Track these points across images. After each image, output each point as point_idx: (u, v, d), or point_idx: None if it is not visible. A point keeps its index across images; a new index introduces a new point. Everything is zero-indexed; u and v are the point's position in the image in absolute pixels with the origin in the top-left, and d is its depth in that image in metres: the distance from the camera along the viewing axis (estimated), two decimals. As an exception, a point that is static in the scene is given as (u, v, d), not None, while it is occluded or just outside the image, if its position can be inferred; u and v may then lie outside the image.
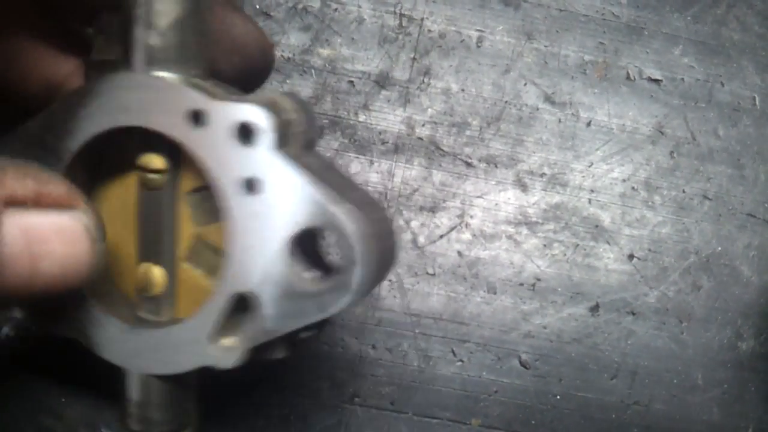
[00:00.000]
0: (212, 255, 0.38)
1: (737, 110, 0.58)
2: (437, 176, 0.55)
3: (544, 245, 0.55)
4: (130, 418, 0.39)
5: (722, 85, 0.58)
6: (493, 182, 0.55)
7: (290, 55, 0.54)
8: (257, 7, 0.54)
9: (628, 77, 0.58)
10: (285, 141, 0.34)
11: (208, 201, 0.37)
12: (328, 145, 0.54)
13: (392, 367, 0.53)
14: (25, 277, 0.30)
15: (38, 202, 0.30)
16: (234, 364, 0.36)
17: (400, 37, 0.55)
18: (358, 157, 0.54)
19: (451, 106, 0.55)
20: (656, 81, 0.58)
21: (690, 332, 0.56)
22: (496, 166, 0.56)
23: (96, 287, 0.38)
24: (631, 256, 0.56)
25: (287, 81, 0.54)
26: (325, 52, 0.55)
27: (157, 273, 0.38)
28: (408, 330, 0.53)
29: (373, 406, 0.53)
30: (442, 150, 0.55)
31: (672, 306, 0.56)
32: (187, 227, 0.38)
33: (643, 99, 0.57)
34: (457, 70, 0.56)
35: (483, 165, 0.55)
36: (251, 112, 0.33)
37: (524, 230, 0.55)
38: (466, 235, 0.55)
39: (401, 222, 0.54)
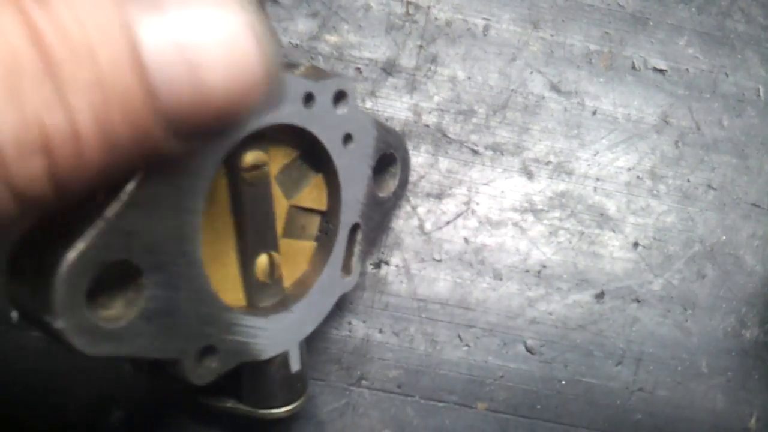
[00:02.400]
0: (303, 218, 0.44)
1: (742, 101, 0.58)
2: (444, 163, 0.55)
3: (550, 232, 0.56)
4: (288, 389, 0.43)
5: (727, 75, 0.59)
6: (500, 170, 0.56)
7: (298, 42, 0.54)
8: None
9: (633, 67, 0.58)
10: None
11: (291, 173, 0.43)
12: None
13: (399, 351, 0.53)
14: (188, 94, 0.24)
15: None
16: (356, 281, 0.46)
17: (407, 24, 0.56)
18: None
19: (458, 93, 0.56)
20: (661, 71, 0.58)
21: (694, 320, 0.56)
22: (502, 154, 0.56)
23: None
24: (636, 244, 0.56)
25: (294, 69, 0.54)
26: (332, 38, 0.55)
27: (277, 257, 0.41)
28: (415, 315, 0.54)
29: (381, 389, 0.53)
30: (449, 137, 0.55)
31: (677, 294, 0.56)
32: (281, 205, 0.42)
33: (648, 89, 0.58)
34: (463, 58, 0.56)
35: (489, 152, 0.56)
36: (343, 82, 0.41)
37: (530, 217, 0.56)
38: (473, 222, 0.55)
39: (408, 208, 0.54)
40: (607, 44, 0.58)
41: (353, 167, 0.43)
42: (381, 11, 0.55)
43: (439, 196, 0.55)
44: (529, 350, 0.55)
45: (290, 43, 0.54)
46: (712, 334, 0.56)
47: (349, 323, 0.53)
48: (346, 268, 0.45)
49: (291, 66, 0.42)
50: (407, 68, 0.55)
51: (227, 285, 0.40)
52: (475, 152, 0.56)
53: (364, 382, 0.53)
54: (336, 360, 0.53)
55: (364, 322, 0.53)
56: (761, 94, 0.59)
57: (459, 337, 0.54)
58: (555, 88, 0.57)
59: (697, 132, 0.58)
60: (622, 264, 0.56)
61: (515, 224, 0.55)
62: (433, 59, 0.56)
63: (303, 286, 0.43)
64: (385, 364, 0.53)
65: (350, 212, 0.44)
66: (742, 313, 0.56)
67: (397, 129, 0.55)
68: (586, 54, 0.58)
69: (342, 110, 0.42)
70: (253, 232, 0.40)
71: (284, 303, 0.41)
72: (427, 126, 0.55)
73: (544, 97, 0.57)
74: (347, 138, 0.43)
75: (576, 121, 0.57)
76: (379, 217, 0.47)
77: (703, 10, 0.59)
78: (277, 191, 0.42)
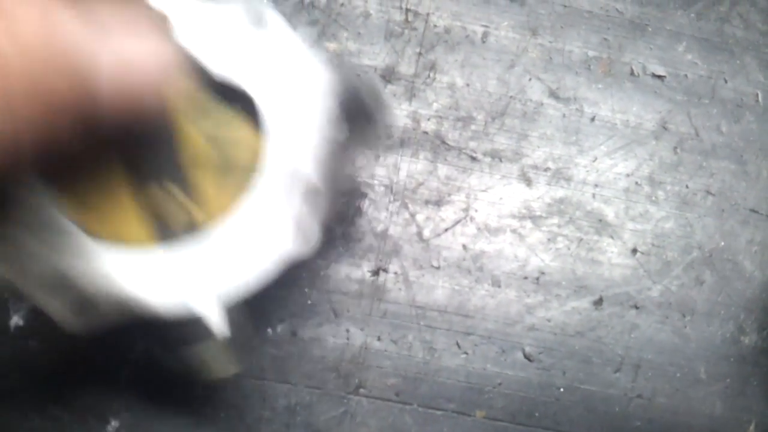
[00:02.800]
0: (230, 150, 0.37)
1: (740, 107, 0.58)
2: (442, 170, 0.55)
3: (548, 239, 0.56)
4: (214, 360, 0.38)
5: (725, 81, 0.59)
6: (498, 176, 0.56)
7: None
8: (264, 2, 0.54)
9: (632, 73, 0.58)
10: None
11: (206, 101, 0.37)
12: (333, 138, 0.54)
13: (397, 359, 0.53)
14: (121, 95, 0.29)
15: (121, 23, 0.29)
16: (304, 247, 0.38)
17: (406, 32, 0.56)
18: (363, 151, 0.55)
19: (457, 100, 0.56)
20: (660, 77, 0.58)
21: (693, 326, 0.56)
22: (500, 161, 0.56)
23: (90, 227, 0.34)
24: (634, 251, 0.56)
25: (294, 75, 0.54)
26: (331, 46, 0.55)
27: (181, 191, 0.36)
28: (413, 322, 0.54)
29: (379, 397, 0.53)
30: (448, 144, 0.55)
31: (675, 300, 0.56)
32: (192, 133, 0.36)
33: (646, 95, 0.58)
34: (462, 65, 0.56)
35: (488, 159, 0.56)
36: (258, 4, 0.37)
37: (528, 224, 0.56)
38: (471, 229, 0.55)
39: (407, 215, 0.55)
40: (605, 50, 0.58)
41: (289, 104, 0.37)
42: (380, 19, 0.55)
43: (438, 203, 0.55)
44: (527, 357, 0.55)
45: (289, 50, 0.54)
46: (711, 340, 0.56)
47: (347, 331, 0.53)
48: (291, 228, 0.38)
49: None
50: (406, 75, 0.55)
51: (115, 218, 0.35)
52: (473, 159, 0.56)
53: (362, 391, 0.53)
54: (333, 368, 0.53)
55: (361, 329, 0.53)
56: (760, 99, 0.59)
57: (457, 344, 0.54)
58: (554, 94, 0.57)
59: (696, 138, 0.58)
60: (620, 270, 0.56)
61: (514, 231, 0.55)
62: (432, 66, 0.56)
63: (215, 227, 0.36)
64: (383, 372, 0.53)
65: (286, 155, 0.37)
66: (740, 319, 0.56)
67: (396, 136, 0.55)
68: (585, 60, 0.58)
69: (261, 34, 0.37)
70: (148, 160, 0.35)
71: (181, 245, 0.35)
72: (426, 133, 0.55)
73: (542, 104, 0.57)
74: (276, 69, 0.37)
75: (575, 127, 0.57)
76: (335, 167, 0.40)
77: (701, 16, 0.59)
78: (184, 116, 0.36)
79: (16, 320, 0.51)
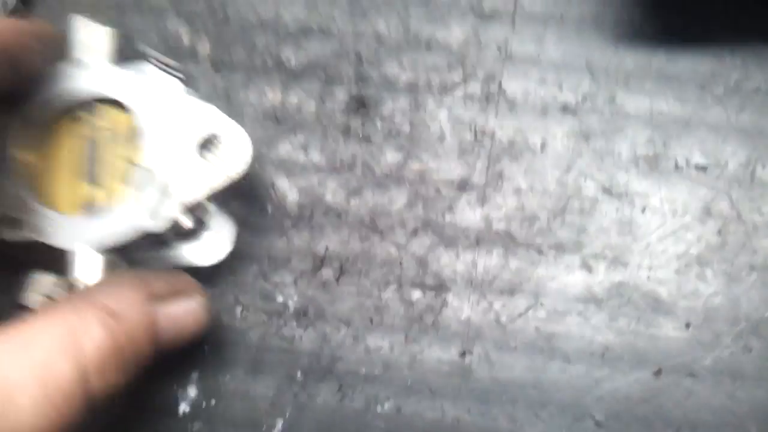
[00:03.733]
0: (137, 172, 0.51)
1: (778, 188, 0.66)
2: (513, 263, 0.65)
3: (610, 318, 0.64)
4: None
5: (763, 166, 0.66)
6: (562, 266, 0.65)
7: (388, 172, 0.65)
8: (360, 135, 0.66)
9: (676, 166, 0.66)
10: None
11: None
12: (421, 243, 0.65)
13: (485, 429, 0.63)
14: (170, 346, 0.46)
15: (173, 294, 0.47)
16: (159, 222, 0.51)
17: (476, 148, 0.66)
18: (446, 251, 0.65)
19: (522, 203, 0.66)
20: (703, 168, 0.66)
21: (743, 390, 0.64)
22: (564, 252, 0.65)
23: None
24: (688, 325, 0.64)
25: (386, 193, 0.65)
26: (415, 166, 0.66)
27: (96, 190, 0.52)
28: (496, 397, 0.63)
29: (471, 464, 0.63)
30: (517, 241, 0.65)
31: (726, 367, 0.64)
32: (117, 156, 0.52)
33: (691, 184, 0.66)
34: (525, 172, 0.66)
35: (552, 252, 0.65)
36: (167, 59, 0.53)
37: (592, 306, 0.65)
38: (542, 313, 0.64)
39: (485, 304, 0.64)
40: (651, 148, 0.67)
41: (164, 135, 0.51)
42: (453, 139, 0.66)
43: (512, 292, 0.65)
44: (597, 424, 0.63)
45: (382, 172, 0.65)
46: (761, 401, 0.64)
47: (442, 406, 0.63)
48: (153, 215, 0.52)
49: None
50: (478, 185, 0.66)
51: (61, 195, 0.52)
52: (540, 252, 0.65)
53: (457, 459, 0.63)
54: (431, 439, 0.63)
55: (453, 405, 0.63)
56: (796, 180, 0.66)
57: (536, 415, 0.63)
58: (607, 191, 0.66)
59: (738, 220, 0.66)
60: (676, 343, 0.64)
61: (579, 313, 0.65)
62: (500, 175, 0.66)
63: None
64: (474, 441, 0.63)
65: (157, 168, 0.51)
66: (787, 381, 0.64)
67: (472, 237, 0.65)
68: (633, 158, 0.66)
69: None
70: (82, 167, 0.52)
71: (83, 215, 0.52)
72: (498, 233, 0.65)
73: (597, 200, 0.66)
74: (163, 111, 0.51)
75: (628, 218, 0.66)
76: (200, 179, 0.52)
77: (739, 109, 0.67)
78: (120, 144, 0.52)
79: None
